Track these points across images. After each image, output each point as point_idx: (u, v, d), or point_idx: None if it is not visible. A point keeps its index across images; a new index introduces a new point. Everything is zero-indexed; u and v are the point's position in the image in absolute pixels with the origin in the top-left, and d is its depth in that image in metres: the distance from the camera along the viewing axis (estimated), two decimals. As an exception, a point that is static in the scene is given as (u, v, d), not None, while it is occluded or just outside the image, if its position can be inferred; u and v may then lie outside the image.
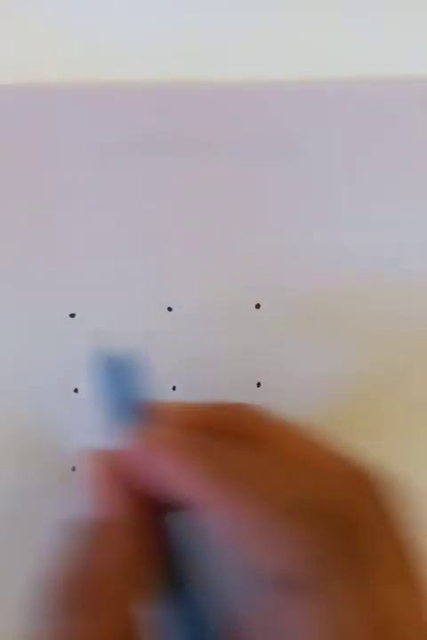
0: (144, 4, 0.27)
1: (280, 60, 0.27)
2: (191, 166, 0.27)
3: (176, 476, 0.17)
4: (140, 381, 0.22)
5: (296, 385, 0.29)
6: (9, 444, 0.29)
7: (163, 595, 0.19)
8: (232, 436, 0.19)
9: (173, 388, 0.29)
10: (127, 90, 0.26)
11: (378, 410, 0.30)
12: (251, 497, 0.16)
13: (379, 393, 0.30)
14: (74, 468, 0.29)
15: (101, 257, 0.28)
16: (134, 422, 0.20)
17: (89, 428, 0.29)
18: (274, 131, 0.27)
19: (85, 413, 0.29)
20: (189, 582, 0.19)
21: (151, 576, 0.18)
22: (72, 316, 0.28)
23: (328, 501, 0.16)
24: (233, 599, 0.18)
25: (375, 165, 0.28)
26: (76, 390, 0.28)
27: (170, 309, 0.29)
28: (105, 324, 0.28)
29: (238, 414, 0.20)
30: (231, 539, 0.17)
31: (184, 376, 0.29)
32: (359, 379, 0.30)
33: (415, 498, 0.18)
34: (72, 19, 0.27)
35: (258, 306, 0.29)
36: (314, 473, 0.17)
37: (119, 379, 0.22)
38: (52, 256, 0.28)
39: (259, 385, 0.29)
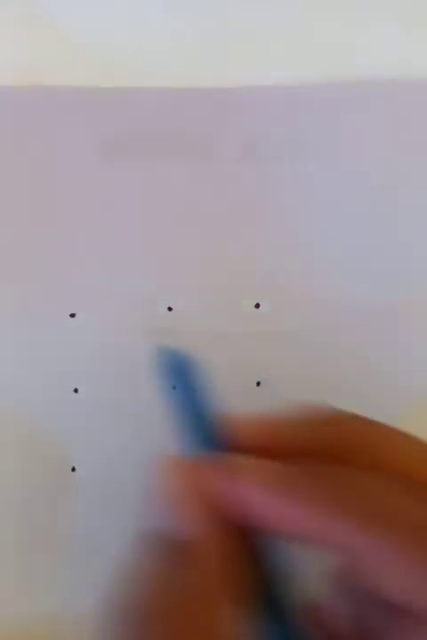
0: (144, 6, 0.27)
1: (281, 60, 0.27)
2: (191, 166, 0.27)
3: (276, 509, 0.16)
4: (206, 387, 0.20)
5: (296, 385, 0.29)
6: (9, 443, 0.29)
7: (254, 618, 0.17)
8: (326, 455, 0.17)
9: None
10: (127, 91, 0.26)
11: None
12: (373, 522, 0.15)
13: (386, 389, 0.30)
14: (74, 469, 0.29)
15: (101, 257, 0.28)
16: (209, 437, 0.18)
17: (89, 428, 0.29)
18: (274, 132, 0.27)
19: (85, 413, 0.29)
20: (282, 605, 0.17)
21: (240, 599, 0.17)
22: (72, 315, 0.28)
23: None
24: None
25: (377, 166, 0.28)
26: (75, 390, 0.28)
27: (170, 309, 0.29)
28: (105, 324, 0.28)
29: (329, 429, 0.18)
30: (354, 566, 0.16)
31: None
32: (359, 378, 0.30)
33: None
34: (72, 20, 0.27)
35: (258, 306, 0.29)
36: None
37: (189, 383, 0.20)
38: (52, 256, 0.28)
39: (259, 384, 0.30)
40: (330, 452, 0.17)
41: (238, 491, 0.16)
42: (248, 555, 0.17)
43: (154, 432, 0.30)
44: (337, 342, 0.29)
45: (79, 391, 0.28)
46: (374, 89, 0.27)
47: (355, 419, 0.18)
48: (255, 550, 0.17)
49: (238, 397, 0.30)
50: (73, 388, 0.28)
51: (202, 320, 0.29)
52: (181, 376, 0.20)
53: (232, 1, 0.27)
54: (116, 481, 0.29)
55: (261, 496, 0.16)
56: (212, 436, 0.18)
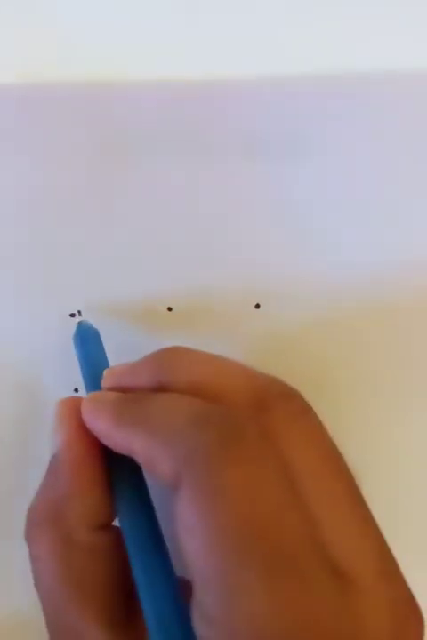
0: (144, 3, 0.27)
1: (281, 57, 0.27)
2: (191, 166, 0.28)
3: (97, 424, 0.22)
4: (101, 348, 0.27)
5: (296, 384, 0.29)
6: (9, 444, 0.29)
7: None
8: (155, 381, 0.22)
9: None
10: (127, 89, 0.26)
11: (377, 411, 0.30)
12: (148, 430, 0.20)
13: (376, 388, 0.30)
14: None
15: (101, 257, 0.28)
16: (96, 383, 0.24)
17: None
18: (274, 129, 0.28)
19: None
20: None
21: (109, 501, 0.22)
22: (72, 315, 0.28)
23: (203, 414, 0.19)
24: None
25: (377, 163, 0.28)
26: (76, 390, 0.28)
27: (170, 309, 0.29)
28: (105, 324, 0.28)
29: (160, 362, 0.23)
30: (145, 466, 0.21)
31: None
32: (358, 380, 0.30)
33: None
34: (72, 18, 0.27)
35: (258, 306, 0.29)
36: (207, 396, 0.21)
37: (88, 345, 0.27)
38: (51, 256, 0.28)
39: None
40: (157, 379, 0.22)
41: (84, 412, 0.22)
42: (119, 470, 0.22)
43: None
44: (338, 342, 0.29)
45: (79, 391, 0.28)
46: (376, 84, 0.27)
47: (175, 350, 0.23)
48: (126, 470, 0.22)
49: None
50: (73, 388, 0.28)
51: (202, 320, 0.29)
52: (81, 342, 0.27)
53: None
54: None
55: (91, 414, 0.22)
56: (97, 380, 0.24)
